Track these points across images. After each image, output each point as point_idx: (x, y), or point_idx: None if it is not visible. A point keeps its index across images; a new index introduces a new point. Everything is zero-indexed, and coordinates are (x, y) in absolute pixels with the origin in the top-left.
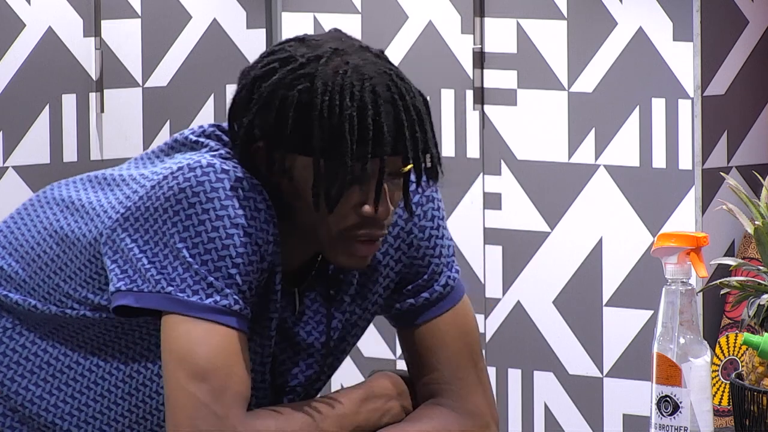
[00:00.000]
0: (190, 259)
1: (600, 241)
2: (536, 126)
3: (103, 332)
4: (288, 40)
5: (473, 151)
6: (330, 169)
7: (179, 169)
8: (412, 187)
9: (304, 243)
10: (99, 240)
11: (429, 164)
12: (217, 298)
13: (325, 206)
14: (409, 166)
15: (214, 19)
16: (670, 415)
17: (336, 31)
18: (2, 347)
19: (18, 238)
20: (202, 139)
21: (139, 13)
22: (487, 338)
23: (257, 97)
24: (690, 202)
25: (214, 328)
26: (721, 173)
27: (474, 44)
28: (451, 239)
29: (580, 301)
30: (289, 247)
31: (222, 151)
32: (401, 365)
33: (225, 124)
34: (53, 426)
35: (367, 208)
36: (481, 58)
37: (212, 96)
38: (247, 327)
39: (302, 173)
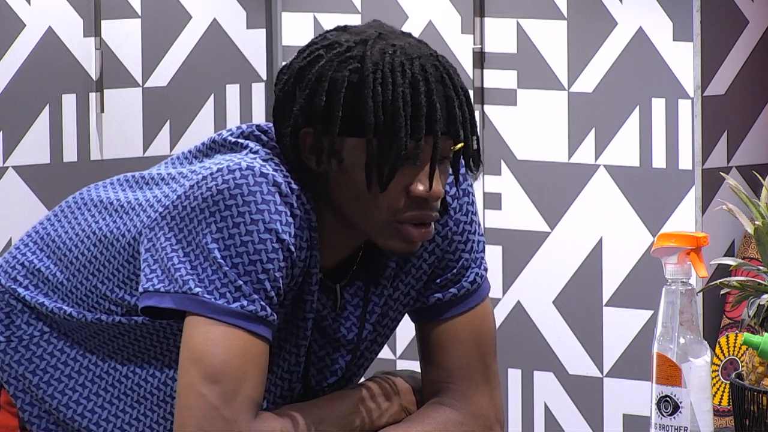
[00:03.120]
0: (221, 260)
1: (600, 241)
2: (536, 126)
3: (139, 339)
4: (328, 31)
5: None
6: (383, 148)
7: (219, 170)
8: (462, 170)
9: (347, 237)
10: (138, 239)
11: (475, 147)
12: (244, 302)
13: (377, 186)
14: (460, 145)
15: (214, 19)
16: (670, 415)
17: (375, 21)
18: (39, 350)
19: (55, 240)
20: (241, 140)
21: (139, 13)
22: None
23: (304, 84)
24: (690, 202)
25: (234, 332)
26: (721, 173)
27: (474, 44)
28: (483, 235)
29: (580, 301)
30: (332, 243)
31: (262, 153)
32: (401, 365)
33: (264, 124)
34: (88, 431)
35: (420, 187)
36: (481, 58)
37: (212, 96)
38: (272, 334)
39: (352, 156)
